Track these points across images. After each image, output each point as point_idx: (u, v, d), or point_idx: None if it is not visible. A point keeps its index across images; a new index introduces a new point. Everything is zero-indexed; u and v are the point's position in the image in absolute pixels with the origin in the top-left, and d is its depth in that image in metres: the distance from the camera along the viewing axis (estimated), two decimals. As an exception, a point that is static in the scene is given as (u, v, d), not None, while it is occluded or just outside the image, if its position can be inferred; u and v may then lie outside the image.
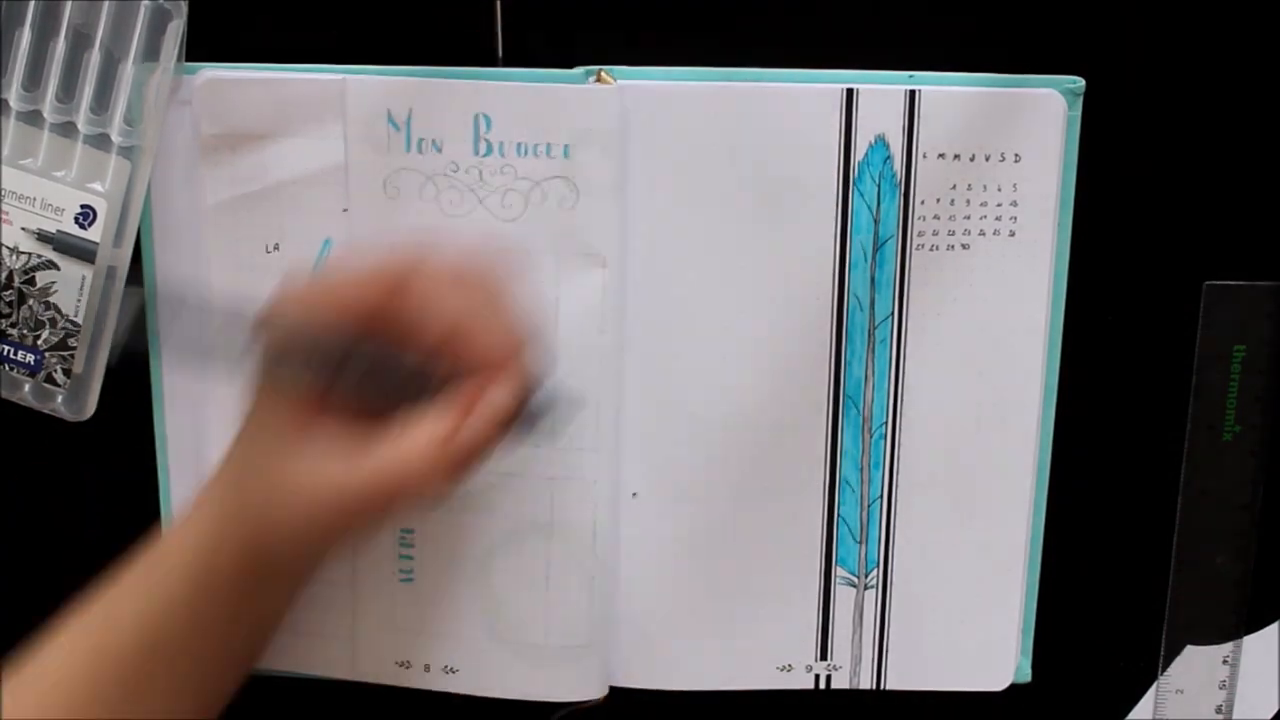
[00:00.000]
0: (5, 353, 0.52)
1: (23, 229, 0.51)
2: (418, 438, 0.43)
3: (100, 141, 0.51)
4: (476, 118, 0.50)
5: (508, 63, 0.51)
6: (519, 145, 0.50)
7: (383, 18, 0.51)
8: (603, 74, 0.50)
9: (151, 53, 0.50)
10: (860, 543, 0.55)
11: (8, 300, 0.52)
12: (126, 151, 0.51)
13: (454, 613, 0.55)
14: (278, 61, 0.51)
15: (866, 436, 0.54)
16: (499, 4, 0.51)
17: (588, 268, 0.51)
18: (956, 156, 0.51)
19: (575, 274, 0.51)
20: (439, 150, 0.50)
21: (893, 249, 0.52)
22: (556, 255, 0.51)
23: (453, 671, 0.55)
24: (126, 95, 0.50)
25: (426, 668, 0.55)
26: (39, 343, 0.52)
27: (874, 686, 0.56)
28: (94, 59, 0.50)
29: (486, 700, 0.55)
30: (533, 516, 0.53)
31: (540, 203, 0.50)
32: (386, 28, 0.51)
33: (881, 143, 0.51)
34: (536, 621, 0.54)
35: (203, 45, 0.51)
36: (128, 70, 0.50)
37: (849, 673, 0.56)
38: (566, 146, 0.50)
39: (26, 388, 0.53)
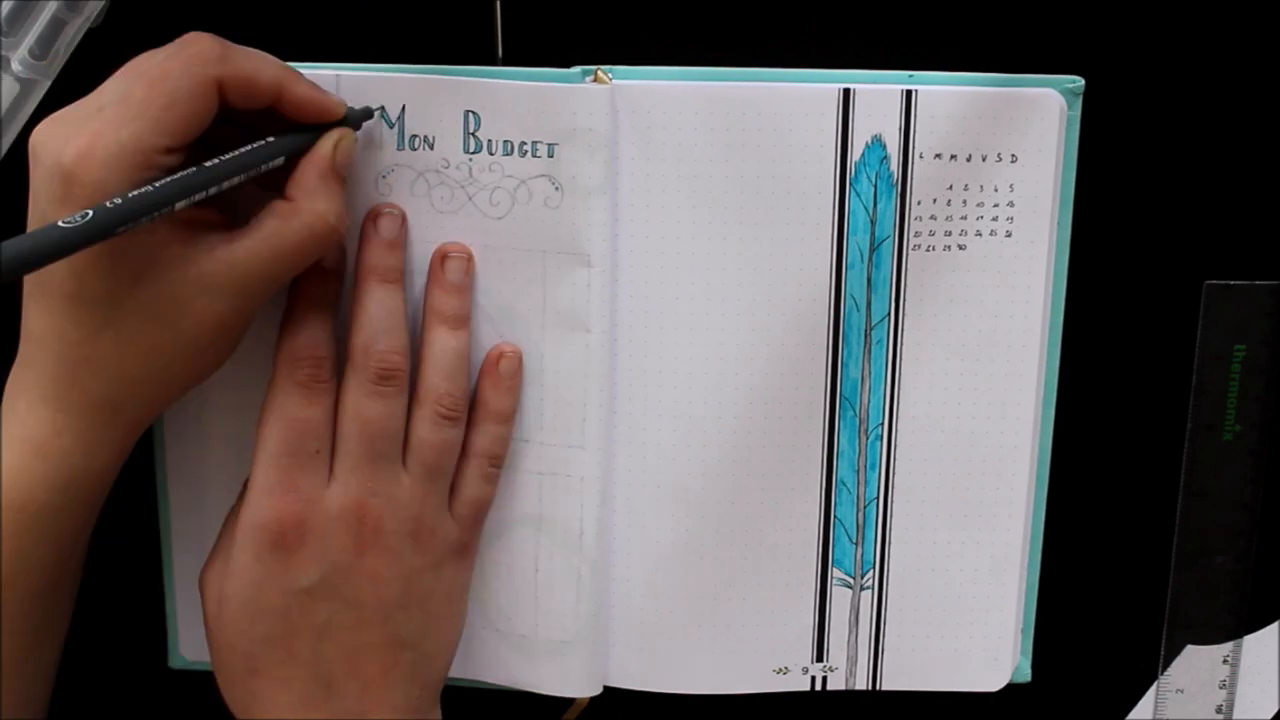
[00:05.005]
0: None
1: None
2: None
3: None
4: (466, 115, 0.50)
5: (507, 63, 0.51)
6: (506, 143, 0.50)
7: (384, 18, 0.51)
8: (600, 73, 0.50)
9: (76, 4, 0.51)
10: (856, 544, 0.55)
11: None
12: (23, 81, 0.51)
13: None
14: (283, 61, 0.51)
15: (863, 437, 0.54)
16: (499, 4, 0.51)
17: (573, 266, 0.51)
18: (954, 157, 0.51)
19: (561, 272, 0.51)
20: (431, 147, 0.50)
21: (889, 250, 0.52)
22: (543, 253, 0.51)
23: None
24: (40, 28, 0.50)
25: None
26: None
27: (870, 688, 0.56)
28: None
29: (493, 698, 0.56)
30: (522, 509, 0.53)
31: (527, 201, 0.50)
32: (386, 29, 0.51)
33: (878, 143, 0.51)
34: (526, 613, 0.54)
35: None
36: (49, 6, 0.50)
37: (845, 674, 0.56)
38: (551, 145, 0.50)
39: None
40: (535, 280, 0.51)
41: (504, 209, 0.51)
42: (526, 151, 0.50)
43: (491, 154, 0.50)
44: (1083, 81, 0.51)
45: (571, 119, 0.50)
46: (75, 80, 0.51)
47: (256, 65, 0.46)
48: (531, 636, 0.54)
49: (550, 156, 0.50)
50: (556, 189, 0.50)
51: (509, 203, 0.51)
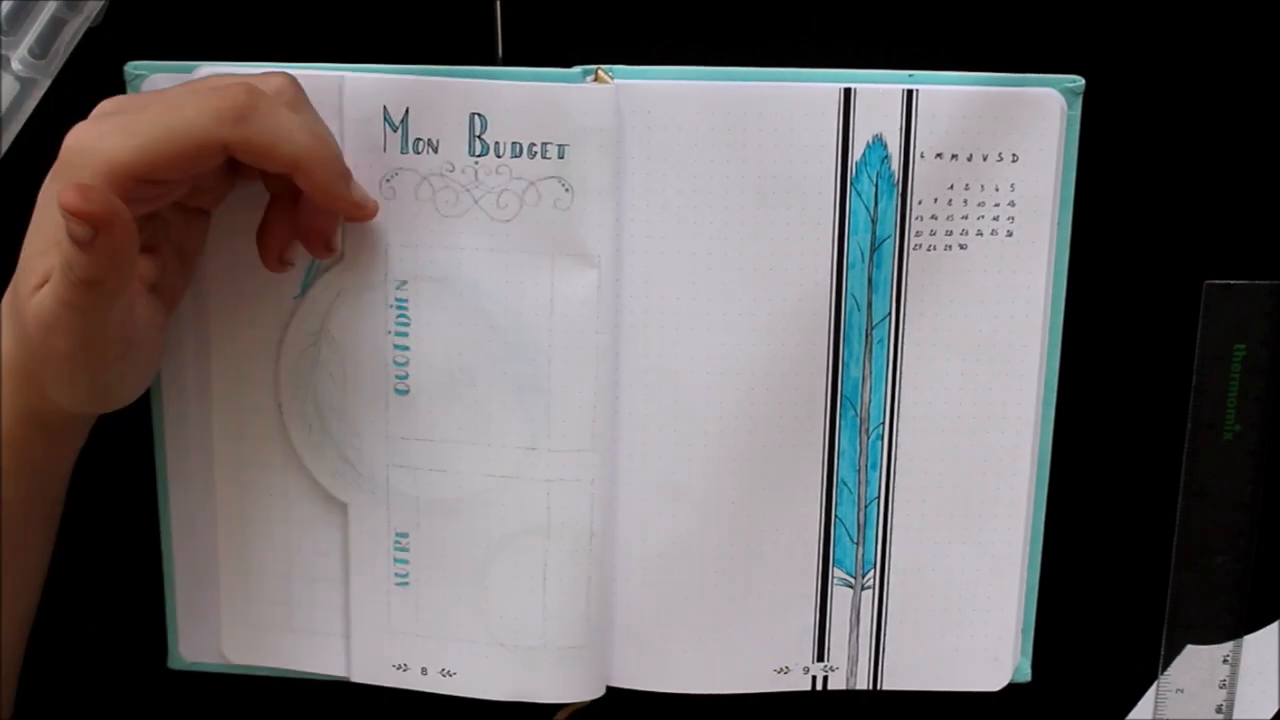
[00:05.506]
0: None
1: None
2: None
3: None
4: (472, 117, 0.50)
5: (507, 62, 0.51)
6: (514, 145, 0.50)
7: (382, 18, 0.51)
8: (600, 73, 0.50)
9: (76, 4, 0.51)
10: (857, 543, 0.55)
11: None
12: (23, 81, 0.51)
13: (451, 616, 0.55)
14: (279, 61, 0.50)
15: (864, 437, 0.54)
16: (499, 4, 0.51)
17: (582, 268, 0.51)
18: (954, 156, 0.51)
19: (570, 274, 0.51)
20: (435, 150, 0.50)
21: (890, 249, 0.52)
22: (551, 255, 0.51)
23: (450, 674, 0.55)
24: (40, 27, 0.50)
25: (424, 670, 0.55)
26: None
27: (871, 687, 0.56)
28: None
29: (485, 701, 0.55)
30: (530, 518, 0.53)
31: (535, 203, 0.50)
32: (386, 28, 0.51)
33: (879, 142, 0.51)
34: (534, 623, 0.54)
35: (201, 43, 0.51)
36: (49, 6, 0.50)
37: (845, 674, 0.56)
38: (562, 147, 0.50)
39: None
40: (543, 283, 0.51)
41: (511, 211, 0.51)
42: (536, 153, 0.50)
43: (499, 156, 0.50)
44: (1083, 81, 0.51)
45: (581, 120, 0.49)
46: (75, 80, 0.51)
47: (273, 140, 0.44)
48: (539, 647, 0.54)
49: (561, 158, 0.50)
50: (567, 190, 0.50)
51: (517, 205, 0.50)
